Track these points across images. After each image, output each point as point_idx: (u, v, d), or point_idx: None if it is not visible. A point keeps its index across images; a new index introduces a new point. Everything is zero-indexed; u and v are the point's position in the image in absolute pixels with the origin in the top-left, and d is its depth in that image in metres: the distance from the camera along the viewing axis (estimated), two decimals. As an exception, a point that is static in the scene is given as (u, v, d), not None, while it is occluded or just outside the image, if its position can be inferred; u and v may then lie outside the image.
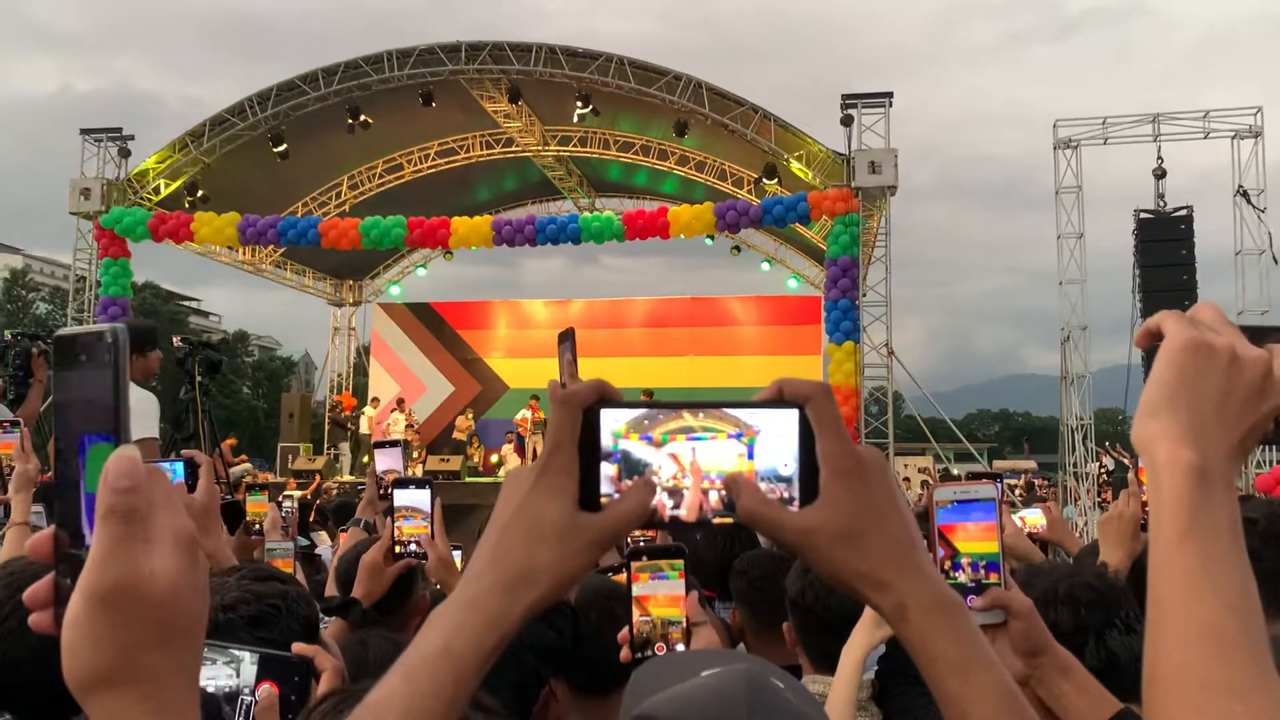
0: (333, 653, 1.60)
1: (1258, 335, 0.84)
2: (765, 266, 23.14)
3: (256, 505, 5.91)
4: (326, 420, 23.55)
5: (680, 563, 1.73)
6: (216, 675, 1.34)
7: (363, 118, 17.19)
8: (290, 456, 20.40)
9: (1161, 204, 16.45)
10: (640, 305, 23.77)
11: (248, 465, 16.36)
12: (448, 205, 21.96)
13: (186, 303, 75.39)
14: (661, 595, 1.71)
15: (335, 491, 15.68)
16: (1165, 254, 15.89)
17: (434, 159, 20.71)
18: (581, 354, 1.96)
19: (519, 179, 22.53)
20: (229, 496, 6.60)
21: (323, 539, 8.35)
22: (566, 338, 1.92)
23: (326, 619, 2.40)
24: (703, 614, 1.73)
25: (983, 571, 1.46)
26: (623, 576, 1.70)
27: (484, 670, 0.74)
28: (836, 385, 15.02)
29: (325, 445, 22.88)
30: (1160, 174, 16.53)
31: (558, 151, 20.29)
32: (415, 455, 20.40)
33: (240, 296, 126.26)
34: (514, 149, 20.21)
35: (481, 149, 20.57)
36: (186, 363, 6.75)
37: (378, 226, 16.55)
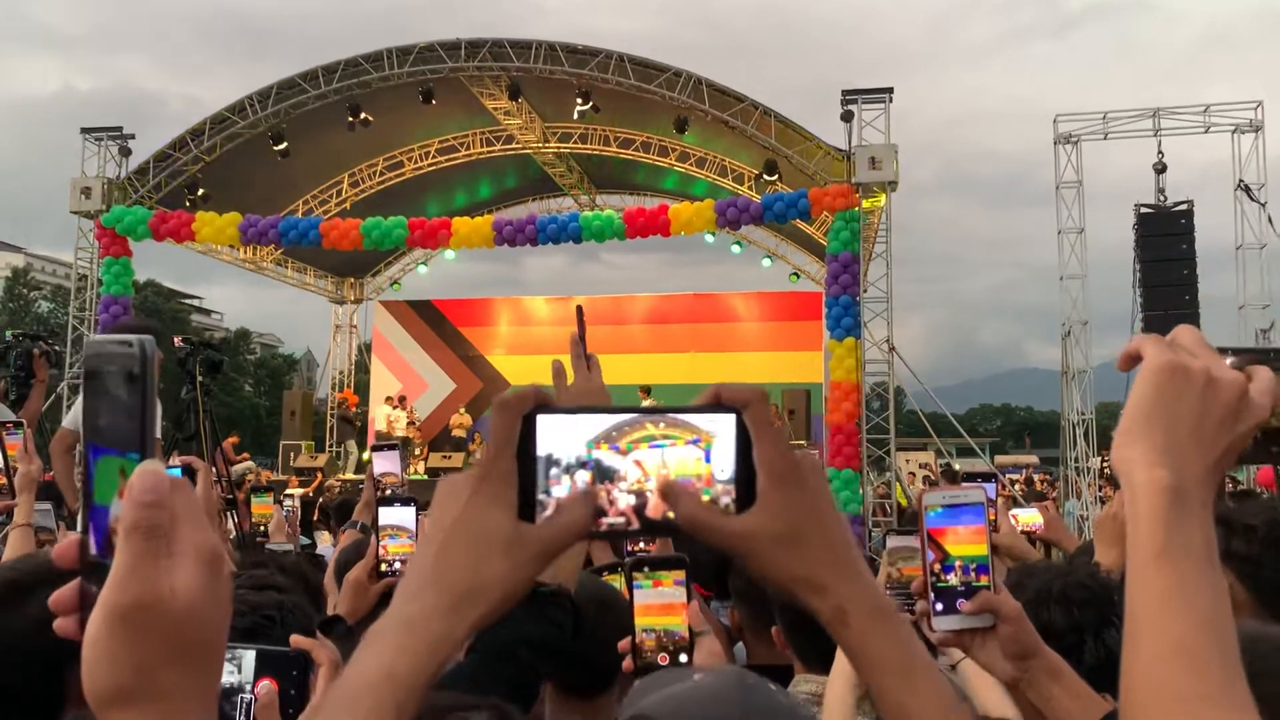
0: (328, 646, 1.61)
1: (1240, 357, 0.86)
2: (766, 262, 23.13)
3: (262, 507, 5.92)
4: (334, 417, 23.59)
5: (682, 573, 1.74)
6: (216, 673, 1.35)
7: (363, 115, 17.16)
8: (292, 454, 20.41)
9: (1162, 199, 16.41)
10: (641, 301, 23.78)
11: (250, 463, 16.36)
12: (449, 202, 22.00)
13: (188, 301, 75.44)
14: (664, 605, 1.72)
15: (338, 489, 15.68)
16: (1166, 248, 15.85)
17: (434, 156, 20.71)
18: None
19: (520, 176, 22.52)
20: (231, 495, 6.63)
21: (324, 539, 8.34)
22: (577, 314, 1.93)
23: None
24: (705, 624, 1.74)
25: (973, 574, 1.47)
26: (615, 577, 1.71)
27: (424, 692, 0.72)
28: (838, 381, 14.99)
29: (328, 442, 22.94)
30: (1161, 169, 16.48)
31: (558, 148, 20.29)
32: (417, 452, 20.44)
33: (242, 294, 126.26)
34: (514, 146, 20.20)
35: (482, 146, 20.54)
36: (188, 363, 6.77)
37: (379, 227, 16.54)
